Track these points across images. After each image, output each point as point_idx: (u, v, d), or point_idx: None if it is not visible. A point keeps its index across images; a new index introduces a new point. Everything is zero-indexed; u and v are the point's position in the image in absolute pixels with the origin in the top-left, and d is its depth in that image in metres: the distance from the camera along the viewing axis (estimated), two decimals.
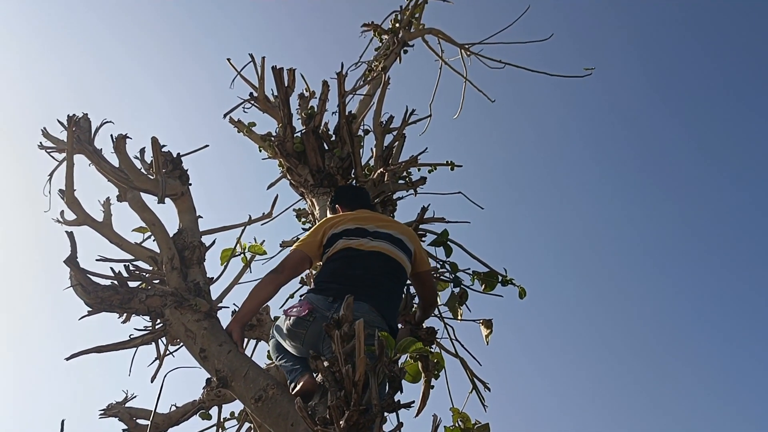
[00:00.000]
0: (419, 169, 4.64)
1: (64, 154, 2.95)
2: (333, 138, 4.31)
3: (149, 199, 3.04)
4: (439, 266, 3.98)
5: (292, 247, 3.01)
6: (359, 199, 3.33)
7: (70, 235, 2.80)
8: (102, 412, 3.47)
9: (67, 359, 2.85)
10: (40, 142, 3.26)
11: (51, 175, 3.19)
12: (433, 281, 3.24)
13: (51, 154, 3.20)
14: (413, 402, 2.15)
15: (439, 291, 4.08)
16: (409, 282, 3.21)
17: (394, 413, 2.26)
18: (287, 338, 2.62)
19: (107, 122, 3.04)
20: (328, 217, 3.12)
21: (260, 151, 4.61)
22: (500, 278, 4.06)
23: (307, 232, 3.05)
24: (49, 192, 3.18)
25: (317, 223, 3.09)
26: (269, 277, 2.83)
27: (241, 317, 2.80)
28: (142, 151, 3.17)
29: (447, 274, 3.96)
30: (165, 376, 2.95)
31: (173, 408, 3.54)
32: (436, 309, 4.00)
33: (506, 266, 4.09)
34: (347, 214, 3.06)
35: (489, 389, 3.91)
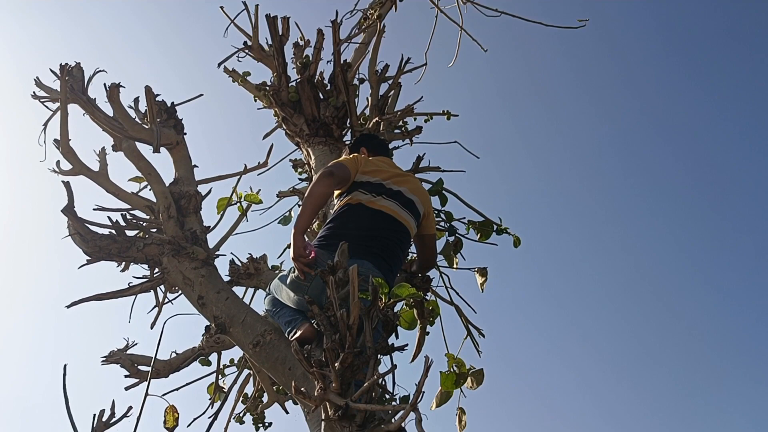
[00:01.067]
0: (415, 119, 4.63)
1: (57, 104, 2.94)
2: (328, 87, 4.29)
3: (144, 149, 3.04)
4: (434, 215, 4.01)
5: (338, 161, 2.99)
6: (382, 148, 3.37)
7: (67, 184, 2.81)
8: (104, 358, 3.53)
9: (68, 307, 2.89)
10: (34, 92, 3.24)
11: (45, 124, 3.18)
12: (435, 245, 3.27)
13: (45, 103, 3.19)
14: (407, 345, 2.20)
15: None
16: None
17: (388, 356, 2.33)
18: (291, 290, 2.64)
19: (100, 71, 3.02)
20: (364, 157, 3.08)
21: (255, 100, 4.58)
22: (495, 227, 4.10)
23: (347, 157, 3.01)
24: (44, 142, 3.18)
25: (353, 156, 3.05)
26: (325, 180, 2.75)
27: (302, 226, 2.64)
28: (136, 100, 3.16)
29: (442, 224, 3.99)
30: (164, 323, 3.00)
31: (173, 355, 3.61)
32: None
33: (501, 215, 4.13)
34: (375, 163, 3.03)
35: (483, 336, 3.98)
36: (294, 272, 2.62)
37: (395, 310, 3.01)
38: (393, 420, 1.88)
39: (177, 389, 3.64)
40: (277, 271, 3.25)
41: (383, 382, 2.54)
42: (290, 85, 4.25)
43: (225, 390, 3.93)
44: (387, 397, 2.48)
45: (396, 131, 4.43)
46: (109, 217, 2.89)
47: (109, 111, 2.97)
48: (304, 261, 2.51)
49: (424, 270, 3.38)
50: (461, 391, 3.63)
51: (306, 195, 2.73)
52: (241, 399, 3.98)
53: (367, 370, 2.02)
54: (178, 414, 3.15)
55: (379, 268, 2.60)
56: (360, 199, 2.85)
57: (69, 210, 2.80)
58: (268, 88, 4.36)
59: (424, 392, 1.80)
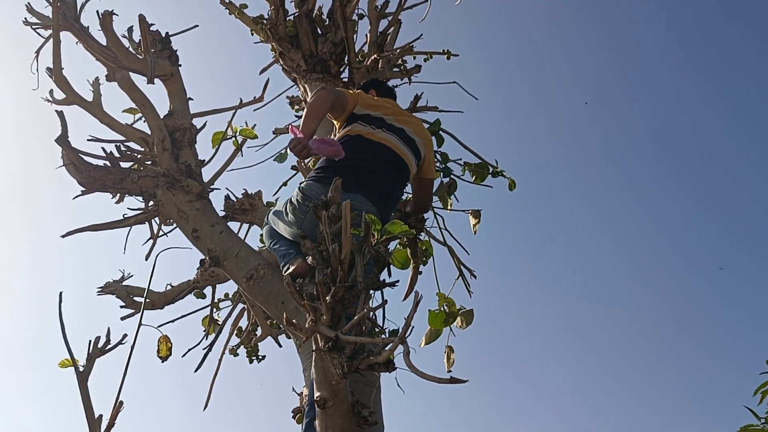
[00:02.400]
0: (414, 57, 4.56)
1: (50, 31, 2.88)
2: (326, 22, 4.21)
3: (139, 80, 3.00)
4: (434, 160, 4.00)
5: (341, 89, 3.00)
6: (391, 93, 3.36)
7: (60, 114, 2.78)
8: (100, 289, 3.57)
9: (63, 236, 2.91)
10: (25, 18, 3.17)
11: (38, 52, 3.13)
12: (432, 190, 3.25)
13: (37, 30, 3.13)
14: (398, 281, 2.22)
15: None
16: None
17: (380, 291, 2.36)
18: (287, 221, 2.65)
19: None
20: (367, 95, 3.05)
21: (252, 34, 4.50)
22: (491, 170, 4.10)
23: (350, 91, 3.01)
24: (37, 70, 3.13)
25: (357, 91, 3.06)
26: (321, 94, 2.76)
27: (309, 134, 2.61)
28: (130, 29, 3.10)
29: (438, 164, 3.98)
30: (157, 255, 3.03)
31: (169, 287, 3.66)
32: None
33: (498, 158, 4.12)
34: (378, 101, 3.02)
35: (475, 276, 4.03)
36: (290, 204, 2.62)
37: (389, 249, 3.03)
38: (382, 352, 1.92)
39: (172, 321, 3.71)
40: (272, 207, 3.26)
41: (374, 317, 2.58)
42: (288, 19, 4.17)
43: (219, 323, 4.00)
44: (377, 330, 2.53)
45: (395, 69, 4.36)
46: (103, 148, 2.88)
47: (102, 40, 2.92)
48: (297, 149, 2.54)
49: (418, 212, 3.38)
50: (451, 329, 3.70)
51: (307, 110, 2.69)
52: (235, 332, 4.06)
53: (358, 304, 2.05)
54: (172, 344, 3.22)
55: (373, 201, 2.59)
56: (359, 131, 2.81)
57: (63, 140, 2.78)
58: (265, 21, 4.27)
59: (413, 327, 1.83)
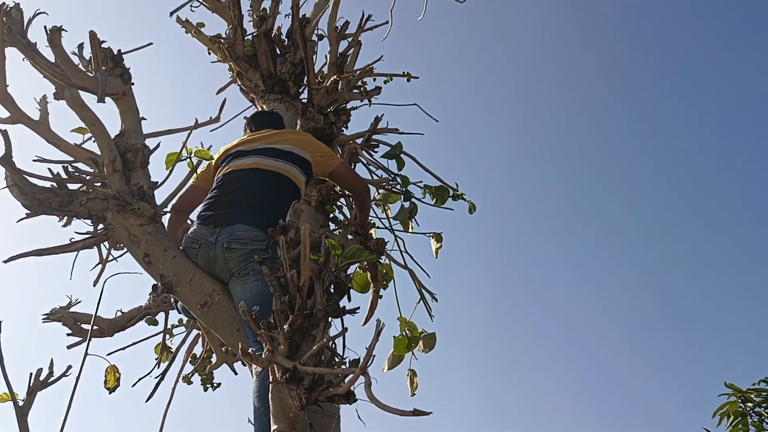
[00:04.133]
0: (374, 79, 4.53)
1: None
2: (285, 42, 4.16)
3: (89, 99, 2.88)
4: (390, 179, 3.96)
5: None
6: (265, 122, 3.29)
7: (4, 133, 2.66)
8: (45, 316, 3.42)
9: (6, 261, 2.77)
10: None
11: None
12: (347, 177, 3.09)
13: None
14: (358, 308, 2.16)
15: (390, 203, 4.08)
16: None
17: (340, 319, 2.29)
18: None
19: (41, 13, 2.83)
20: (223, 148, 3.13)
21: (209, 53, 4.41)
22: (451, 192, 4.08)
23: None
24: None
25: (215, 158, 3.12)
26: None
27: None
28: (81, 46, 2.99)
29: (398, 187, 3.95)
30: (105, 281, 2.90)
31: (119, 313, 3.52)
32: (387, 222, 4.01)
33: (458, 180, 4.11)
34: (240, 139, 3.06)
35: (436, 300, 3.99)
36: None
37: (349, 275, 2.97)
38: (342, 383, 1.85)
39: (122, 349, 3.56)
40: None
41: (333, 345, 2.50)
42: (246, 38, 4.11)
43: (173, 350, 3.86)
44: (337, 360, 2.45)
45: (354, 91, 4.32)
46: (49, 169, 2.75)
47: (50, 56, 2.80)
48: None
49: (360, 206, 3.28)
50: (413, 354, 3.65)
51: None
52: (189, 359, 3.92)
53: (317, 333, 1.97)
54: (120, 374, 3.08)
55: (258, 225, 2.59)
56: (223, 170, 2.90)
57: (7, 160, 2.65)
58: (223, 40, 4.20)
59: (374, 356, 1.76)
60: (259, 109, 4.11)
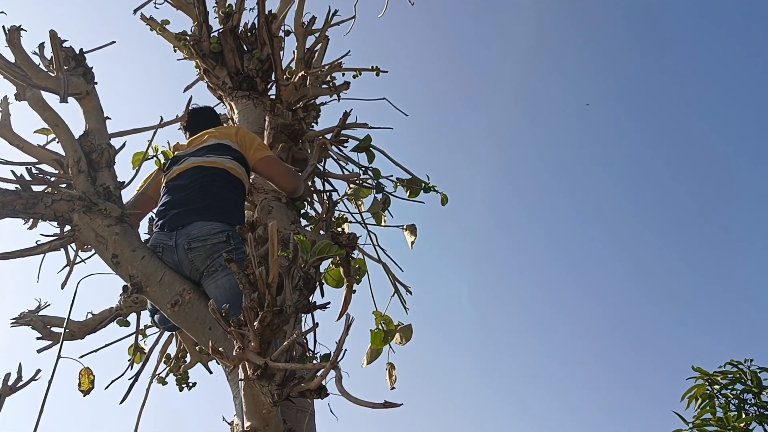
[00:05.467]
0: (343, 74, 4.52)
1: None
2: (252, 39, 4.13)
3: (51, 99, 2.83)
4: (361, 172, 3.97)
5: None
6: (196, 123, 3.40)
7: None
8: (14, 320, 3.36)
9: None
10: None
11: None
12: (269, 169, 3.12)
13: None
14: (329, 303, 2.17)
15: (362, 197, 4.09)
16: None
17: (310, 314, 2.29)
18: None
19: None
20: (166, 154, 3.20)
21: (175, 51, 4.37)
22: (423, 185, 4.10)
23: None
24: None
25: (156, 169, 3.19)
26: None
27: None
28: (41, 46, 2.93)
29: (370, 181, 3.95)
30: (78, 283, 2.87)
31: (89, 315, 3.47)
32: (360, 216, 4.02)
33: (429, 173, 4.12)
34: (173, 147, 3.15)
35: (411, 293, 4.01)
36: None
37: (319, 270, 2.97)
38: (314, 378, 1.85)
39: (95, 351, 3.52)
40: None
41: (305, 341, 2.51)
42: (212, 35, 4.08)
43: (146, 351, 3.82)
44: (308, 355, 2.46)
45: (323, 86, 4.31)
46: (12, 171, 2.70)
47: (10, 57, 2.75)
48: None
49: (290, 196, 3.38)
50: (390, 347, 3.66)
51: None
52: (163, 359, 3.89)
53: (287, 329, 1.97)
54: (94, 376, 3.05)
55: (214, 218, 2.67)
56: (165, 179, 2.99)
57: None
58: (188, 38, 4.16)
59: (345, 350, 1.77)
60: (227, 106, 4.09)
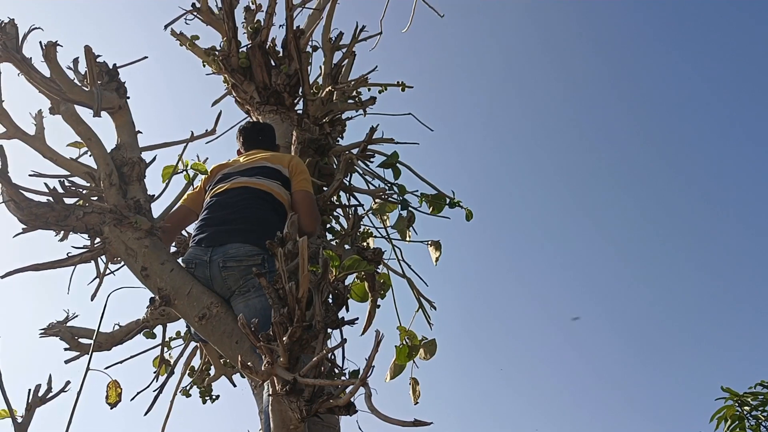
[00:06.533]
0: (369, 89, 4.55)
1: None
2: (280, 54, 4.17)
3: (84, 113, 2.88)
4: (387, 188, 3.97)
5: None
6: (254, 138, 3.36)
7: (0, 148, 2.66)
8: (43, 330, 3.40)
9: (3, 277, 2.76)
10: None
11: None
12: (302, 202, 2.96)
13: None
14: (357, 318, 2.16)
15: (387, 212, 4.09)
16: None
17: (338, 330, 2.29)
18: None
19: (36, 29, 2.83)
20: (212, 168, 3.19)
21: (204, 66, 4.43)
22: (448, 200, 4.10)
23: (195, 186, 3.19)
24: None
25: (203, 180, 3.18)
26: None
27: None
28: (76, 61, 2.99)
29: (395, 196, 3.95)
30: (109, 295, 2.89)
31: (116, 327, 3.50)
32: (385, 231, 4.02)
33: (455, 188, 4.12)
34: (225, 164, 3.12)
35: (435, 308, 3.99)
36: None
37: (347, 285, 2.97)
38: (342, 395, 1.85)
39: (120, 362, 3.54)
40: None
41: (333, 357, 2.50)
42: (241, 50, 4.12)
43: (171, 363, 3.84)
44: (336, 371, 2.45)
45: (350, 101, 4.34)
46: (46, 184, 2.74)
47: (45, 71, 2.80)
48: None
49: (301, 234, 3.06)
50: (414, 362, 3.65)
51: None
52: (187, 372, 3.91)
53: (316, 345, 1.97)
54: (121, 389, 3.07)
55: (249, 241, 2.65)
56: (211, 193, 2.97)
57: (2, 175, 2.65)
58: (217, 53, 4.21)
59: (374, 367, 1.76)
60: (253, 120, 4.12)
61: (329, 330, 2.14)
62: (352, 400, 1.81)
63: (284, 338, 1.88)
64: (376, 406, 1.67)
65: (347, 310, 3.06)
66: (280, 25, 4.15)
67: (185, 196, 3.11)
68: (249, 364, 1.88)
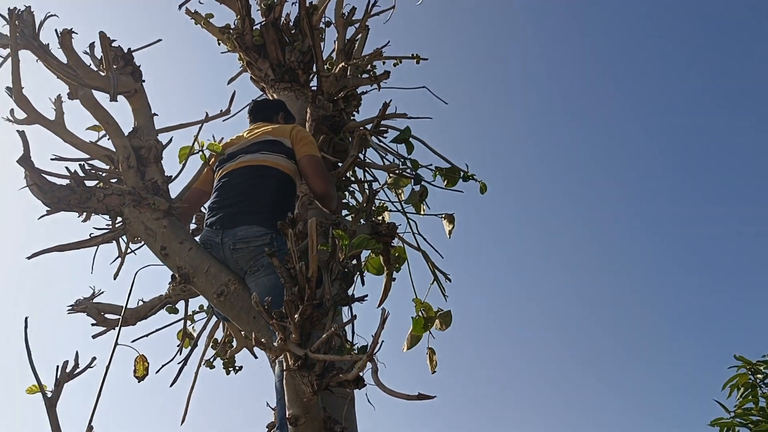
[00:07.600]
0: (384, 63, 4.56)
1: (8, 50, 2.83)
2: (293, 31, 4.19)
3: (102, 97, 2.95)
4: (400, 163, 4.01)
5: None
6: (253, 116, 3.44)
7: (22, 134, 2.74)
8: (70, 307, 3.51)
9: (29, 258, 2.86)
10: None
11: None
12: (308, 165, 2.97)
13: None
14: (366, 296, 2.23)
15: (402, 186, 4.13)
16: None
17: (348, 307, 2.36)
18: None
19: (51, 16, 2.90)
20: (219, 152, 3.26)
21: (219, 44, 4.47)
22: (462, 174, 4.12)
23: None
24: None
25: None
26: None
27: None
28: (92, 46, 3.05)
29: (408, 171, 3.99)
30: (136, 273, 2.98)
31: (140, 303, 3.61)
32: (399, 205, 4.06)
33: (468, 161, 4.14)
34: (230, 142, 3.19)
35: (450, 280, 4.04)
36: None
37: (357, 263, 3.03)
38: (351, 369, 1.92)
39: (146, 336, 3.66)
40: None
41: (343, 332, 2.58)
42: (254, 28, 4.15)
43: (194, 336, 3.96)
44: (347, 347, 2.53)
45: (364, 76, 4.35)
46: (67, 167, 2.83)
47: (62, 57, 2.87)
48: None
49: (318, 199, 3.08)
50: (430, 332, 3.72)
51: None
52: (210, 344, 4.03)
53: (326, 321, 2.05)
54: (148, 363, 3.19)
55: (261, 222, 2.74)
56: (217, 176, 3.09)
57: (25, 160, 2.74)
58: (231, 31, 4.25)
59: (382, 342, 1.83)
60: (269, 98, 4.17)
61: (339, 307, 2.21)
62: (360, 374, 1.88)
63: (296, 316, 1.95)
64: (386, 379, 1.74)
65: (363, 284, 3.15)
66: (293, 2, 4.17)
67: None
68: (263, 340, 1.96)
